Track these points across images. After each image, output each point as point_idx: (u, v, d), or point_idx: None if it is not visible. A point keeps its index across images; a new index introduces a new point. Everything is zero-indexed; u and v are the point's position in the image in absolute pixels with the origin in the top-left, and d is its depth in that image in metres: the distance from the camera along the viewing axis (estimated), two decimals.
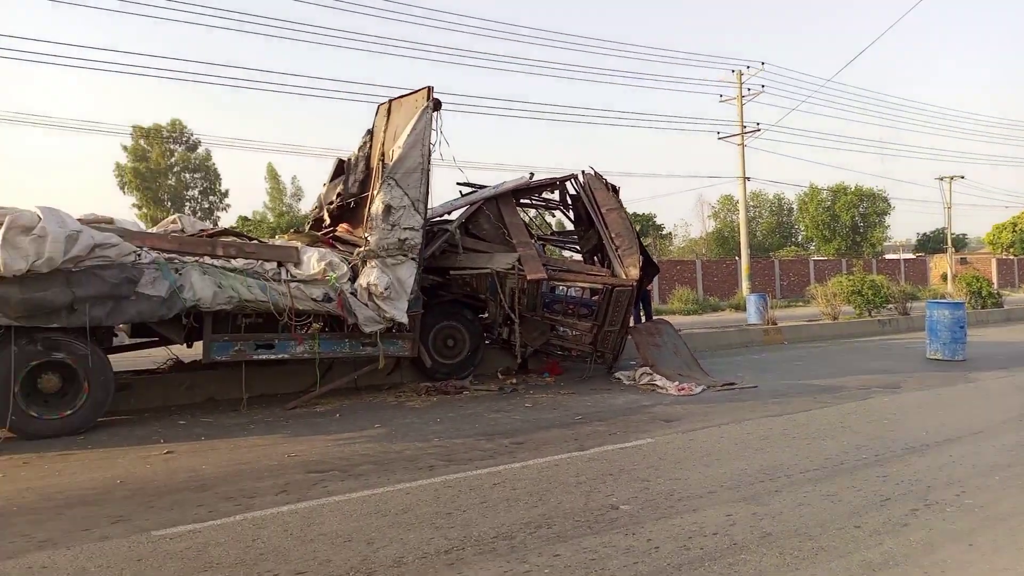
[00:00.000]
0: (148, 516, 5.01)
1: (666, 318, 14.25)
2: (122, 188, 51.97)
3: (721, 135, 33.60)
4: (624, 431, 7.51)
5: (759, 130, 32.87)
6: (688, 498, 5.13)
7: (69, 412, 7.66)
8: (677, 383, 10.01)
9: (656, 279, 25.35)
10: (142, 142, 51.66)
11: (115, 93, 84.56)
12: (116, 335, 9.07)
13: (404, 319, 9.26)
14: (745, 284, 32.19)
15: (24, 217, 7.18)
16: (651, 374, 10.46)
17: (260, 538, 4.53)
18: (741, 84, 33.14)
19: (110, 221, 8.64)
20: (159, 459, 6.68)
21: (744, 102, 33.00)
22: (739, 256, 36.47)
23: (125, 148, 51.45)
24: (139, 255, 7.94)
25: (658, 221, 53.23)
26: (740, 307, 28.25)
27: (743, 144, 32.77)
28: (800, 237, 60.49)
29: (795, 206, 59.29)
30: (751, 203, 58.17)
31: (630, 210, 11.62)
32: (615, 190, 11.67)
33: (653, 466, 6.06)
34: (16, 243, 7.02)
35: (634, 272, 10.37)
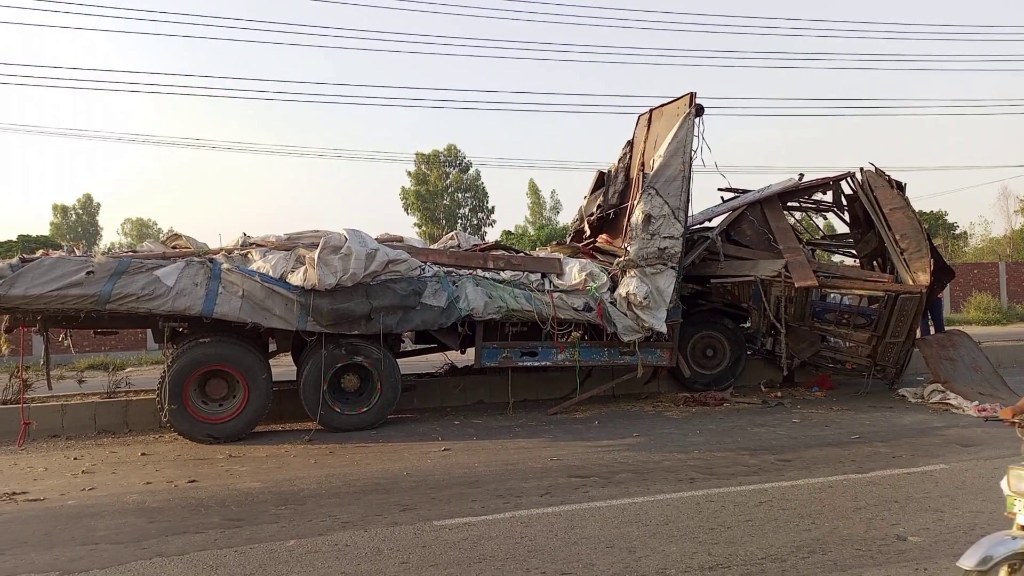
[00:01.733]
0: (430, 507, 5.51)
1: (961, 329, 12.55)
2: (406, 209, 57.76)
3: None
4: (911, 454, 6.75)
5: None
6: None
7: (365, 409, 8.68)
8: (977, 403, 8.77)
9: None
10: (423, 167, 57.02)
11: (403, 125, 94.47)
12: (403, 342, 10.09)
13: (663, 328, 9.21)
14: None
15: (334, 239, 8.31)
16: (944, 392, 9.29)
17: (527, 536, 4.77)
18: None
19: (400, 239, 9.67)
20: (438, 455, 7.32)
21: None
22: None
23: (409, 173, 57.18)
24: (423, 269, 8.79)
25: (949, 219, 47.10)
26: None
27: None
28: None
29: None
30: None
31: (915, 208, 10.40)
32: (900, 187, 10.55)
33: (948, 495, 5.38)
34: (328, 261, 8.15)
35: (924, 277, 9.28)
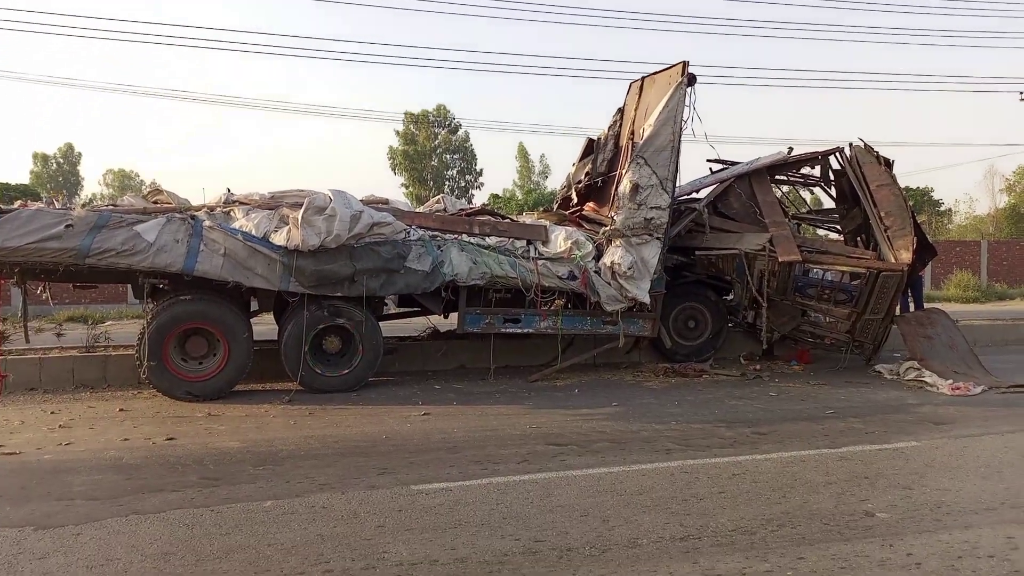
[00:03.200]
0: (408, 471, 5.55)
1: (939, 307, 12.69)
2: (393, 169, 57.23)
3: None
4: (884, 431, 6.86)
5: None
6: (959, 513, 4.57)
7: (346, 371, 8.69)
8: (951, 381, 8.91)
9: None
10: (411, 127, 56.37)
11: (392, 84, 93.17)
12: (386, 304, 10.05)
13: (646, 299, 9.23)
14: None
15: (318, 199, 8.22)
16: (919, 369, 9.41)
17: (503, 503, 4.82)
18: None
19: (385, 202, 9.59)
20: (418, 419, 7.35)
21: None
22: None
23: (397, 133, 56.53)
24: (408, 233, 8.73)
25: (935, 195, 47.34)
26: None
27: None
28: None
29: None
30: None
31: (901, 184, 10.41)
32: (888, 164, 10.54)
33: (917, 472, 5.48)
34: (312, 222, 8.07)
35: (905, 256, 9.34)
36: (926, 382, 9.05)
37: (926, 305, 12.60)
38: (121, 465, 5.69)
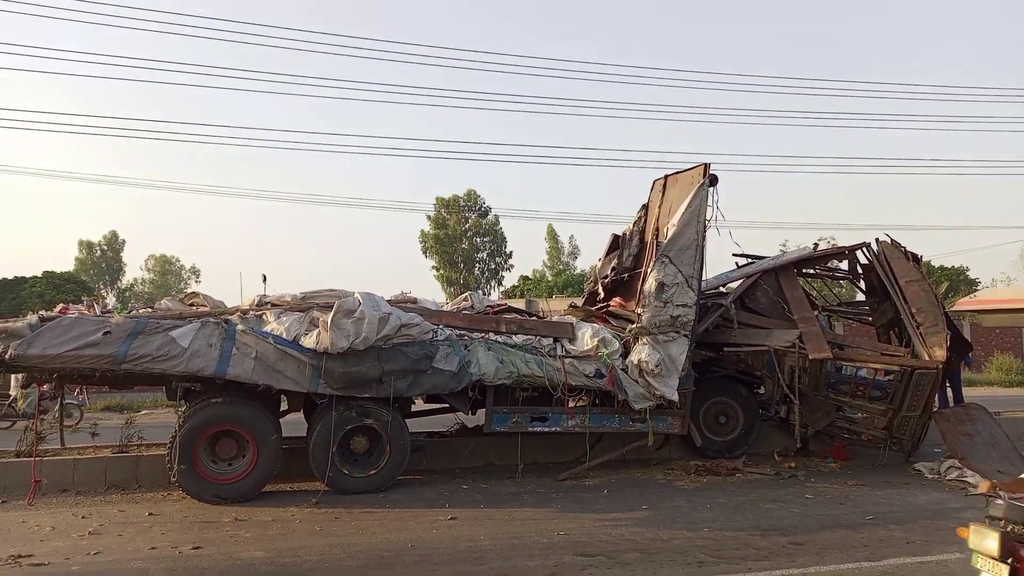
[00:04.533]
0: None
1: (983, 391, 12.37)
2: (424, 252, 58.27)
3: None
4: (926, 540, 6.62)
5: None
6: None
7: (373, 472, 8.66)
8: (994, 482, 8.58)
9: None
10: (443, 212, 57.66)
11: (424, 174, 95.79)
12: (414, 402, 10.08)
13: (674, 396, 9.15)
14: None
15: (348, 302, 8.39)
16: (960, 468, 9.11)
17: None
18: None
19: (414, 301, 9.74)
20: (444, 524, 7.27)
21: None
22: None
23: (429, 217, 57.80)
24: (436, 332, 8.83)
25: (971, 275, 46.69)
26: None
27: None
28: None
29: None
30: None
31: (936, 264, 10.35)
32: (916, 260, 10.52)
33: None
34: (340, 325, 8.22)
35: (939, 353, 9.20)
36: (968, 483, 8.74)
37: (967, 398, 12.27)
38: None
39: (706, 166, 9.60)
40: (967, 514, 7.50)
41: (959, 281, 43.52)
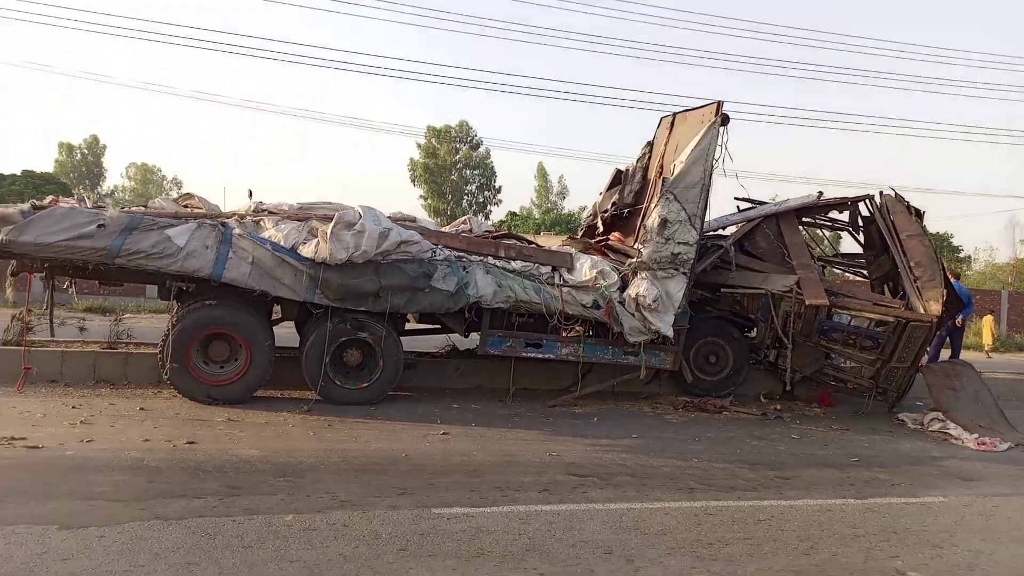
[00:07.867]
0: (428, 493, 5.50)
1: (969, 355, 12.55)
2: (412, 181, 57.49)
3: None
4: (910, 483, 6.76)
5: None
6: None
7: (366, 384, 8.66)
8: (976, 436, 8.78)
9: None
10: (433, 141, 56.72)
11: (419, 99, 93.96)
12: (407, 320, 10.04)
13: (669, 332, 9.18)
14: None
15: (348, 215, 8.24)
16: (943, 421, 9.28)
17: (525, 533, 4.76)
18: None
19: (413, 220, 9.59)
20: (437, 439, 7.30)
21: None
22: None
23: (419, 145, 56.86)
24: (435, 252, 8.72)
25: (955, 242, 47.02)
26: None
27: None
28: None
29: None
30: None
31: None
32: (919, 214, 10.51)
33: (947, 531, 5.38)
34: (340, 236, 8.08)
35: (935, 307, 9.26)
36: (951, 434, 8.93)
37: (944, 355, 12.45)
38: (142, 467, 5.67)
39: (719, 104, 9.41)
40: (950, 463, 7.72)
41: (943, 247, 43.88)
